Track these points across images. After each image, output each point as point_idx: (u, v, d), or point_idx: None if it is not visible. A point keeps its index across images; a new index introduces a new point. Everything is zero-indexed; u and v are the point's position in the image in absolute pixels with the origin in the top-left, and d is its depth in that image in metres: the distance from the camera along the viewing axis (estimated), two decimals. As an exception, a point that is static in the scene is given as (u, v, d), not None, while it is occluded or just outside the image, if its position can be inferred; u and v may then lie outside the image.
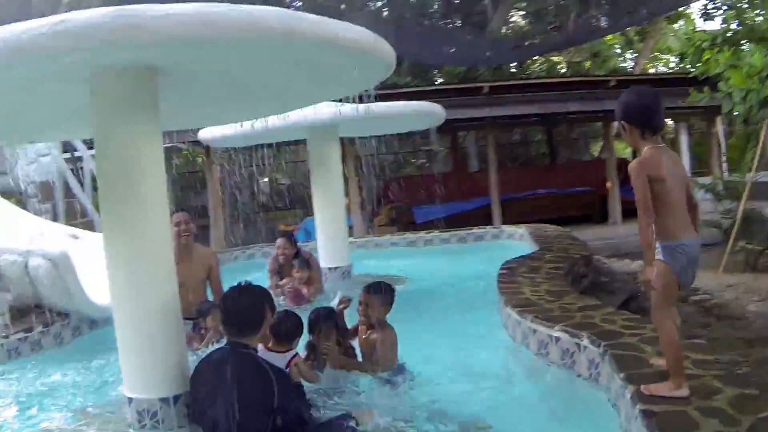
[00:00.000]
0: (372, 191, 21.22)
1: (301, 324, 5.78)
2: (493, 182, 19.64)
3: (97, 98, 5.44)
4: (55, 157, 13.44)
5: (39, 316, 9.22)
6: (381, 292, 6.27)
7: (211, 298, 8.56)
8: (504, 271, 9.17)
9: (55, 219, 13.41)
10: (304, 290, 9.67)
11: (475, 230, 14.88)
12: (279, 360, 5.41)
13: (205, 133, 11.89)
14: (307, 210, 19.47)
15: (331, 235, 11.87)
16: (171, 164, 20.08)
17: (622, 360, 5.15)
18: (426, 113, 11.68)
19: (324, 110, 10.94)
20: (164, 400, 5.45)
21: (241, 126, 10.92)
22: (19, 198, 14.63)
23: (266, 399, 4.78)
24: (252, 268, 12.51)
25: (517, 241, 13.79)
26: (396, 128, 13.82)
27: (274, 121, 10.16)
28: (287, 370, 5.38)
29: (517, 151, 31.93)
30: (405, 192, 19.75)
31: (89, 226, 13.23)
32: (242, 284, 5.43)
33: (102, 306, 9.11)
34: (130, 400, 5.59)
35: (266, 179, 27.21)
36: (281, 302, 9.22)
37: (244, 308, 5.18)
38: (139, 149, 5.47)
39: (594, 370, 5.64)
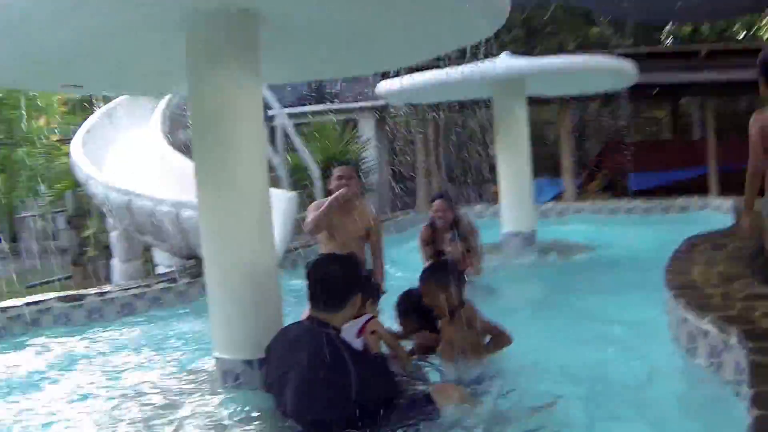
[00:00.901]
0: (588, 156, 20.32)
1: (358, 274, 4.86)
2: (712, 151, 18.24)
3: (192, 44, 5.33)
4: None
5: (191, 267, 9.30)
6: (428, 276, 5.48)
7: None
8: (683, 247, 8.15)
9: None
10: (463, 264, 8.46)
11: (680, 201, 13.83)
12: (351, 331, 4.87)
13: (380, 87, 11.60)
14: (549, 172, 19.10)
15: (515, 199, 11.45)
16: (385, 126, 20.07)
17: (764, 371, 4.04)
18: (615, 70, 10.90)
19: (508, 62, 10.40)
20: (248, 363, 5.27)
21: (416, 78, 10.57)
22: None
23: (342, 391, 4.31)
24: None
25: (723, 213, 12.73)
26: (584, 86, 13.17)
27: (453, 74, 9.70)
28: (361, 340, 4.87)
29: (742, 119, 29.57)
30: (622, 158, 18.75)
31: (276, 181, 13.24)
32: (337, 254, 5.13)
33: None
34: (217, 359, 5.48)
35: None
36: None
37: (330, 279, 4.66)
38: (234, 98, 5.31)
39: (738, 376, 4.49)
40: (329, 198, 7.57)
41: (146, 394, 5.58)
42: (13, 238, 19.48)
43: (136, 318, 8.44)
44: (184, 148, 13.28)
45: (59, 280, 14.35)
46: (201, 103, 5.40)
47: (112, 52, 5.82)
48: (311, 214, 7.83)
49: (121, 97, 13.69)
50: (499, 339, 5.36)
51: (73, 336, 7.80)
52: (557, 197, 18.27)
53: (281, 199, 10.12)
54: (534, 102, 12.35)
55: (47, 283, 14.08)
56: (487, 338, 5.44)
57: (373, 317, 5.08)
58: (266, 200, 5.50)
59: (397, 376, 4.90)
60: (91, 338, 7.72)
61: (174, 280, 9.03)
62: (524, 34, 19.37)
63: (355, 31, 5.84)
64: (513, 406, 4.64)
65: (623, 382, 5.18)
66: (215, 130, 5.30)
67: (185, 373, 6.07)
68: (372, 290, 5.32)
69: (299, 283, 5.06)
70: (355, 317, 4.87)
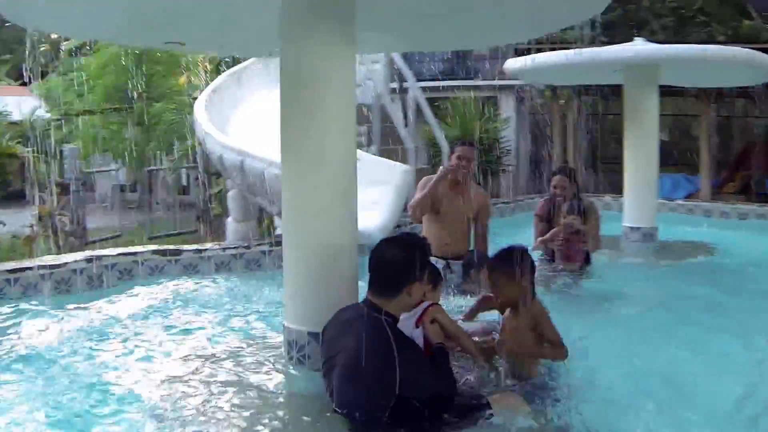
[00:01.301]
0: (730, 155, 19.31)
1: (416, 258, 4.46)
2: None
3: (286, 5, 5.19)
4: (377, 82, 13.36)
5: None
6: (495, 261, 5.04)
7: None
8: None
9: (369, 143, 13.39)
10: (578, 244, 8.24)
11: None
12: (409, 321, 4.65)
13: (507, 65, 11.22)
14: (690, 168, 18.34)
15: (638, 193, 10.96)
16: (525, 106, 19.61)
17: None
18: (750, 63, 10.23)
19: (639, 46, 9.90)
20: (313, 335, 5.11)
21: (543, 58, 10.14)
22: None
23: (385, 383, 4.09)
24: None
25: None
26: (720, 79, 12.64)
27: (581, 55, 9.28)
28: (420, 331, 4.63)
29: None
30: (764, 160, 17.76)
31: (403, 154, 13.03)
32: (402, 236, 4.96)
33: (361, 231, 8.90)
34: (284, 327, 5.40)
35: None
36: (540, 259, 8.31)
37: (386, 263, 4.44)
38: (323, 65, 5.15)
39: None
40: (435, 176, 7.32)
41: (211, 357, 5.60)
42: (148, 190, 19.99)
43: (231, 277, 8.44)
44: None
45: (182, 233, 14.55)
46: (289, 68, 5.27)
47: (211, 12, 5.76)
48: (418, 193, 7.58)
49: (253, 59, 13.73)
50: (556, 351, 4.85)
51: (162, 290, 7.93)
52: (692, 195, 17.40)
53: (395, 172, 9.92)
54: (677, 93, 11.69)
55: (171, 235, 14.31)
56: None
57: (433, 305, 4.78)
58: (350, 174, 5.35)
59: (457, 371, 4.66)
60: (179, 293, 7.81)
61: (274, 244, 8.89)
62: (674, 23, 18.47)
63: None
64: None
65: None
66: (301, 97, 5.19)
67: (254, 340, 6.06)
68: (433, 276, 4.94)
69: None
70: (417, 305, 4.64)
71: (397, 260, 4.42)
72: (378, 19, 5.86)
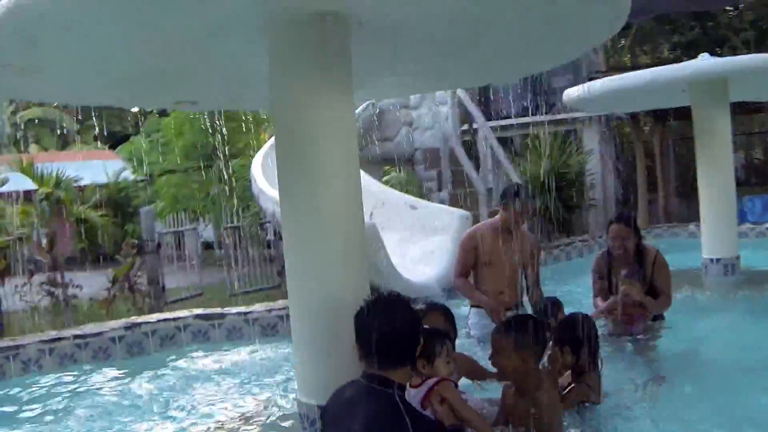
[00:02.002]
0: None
1: (419, 328, 4.03)
2: None
3: (273, 51, 4.80)
4: (444, 124, 12.99)
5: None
6: (508, 330, 4.49)
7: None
8: None
9: (439, 187, 12.98)
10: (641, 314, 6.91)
11: None
12: (414, 400, 4.12)
13: (566, 95, 10.66)
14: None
15: (715, 220, 10.24)
16: (609, 134, 18.89)
17: None
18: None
19: (704, 61, 9.31)
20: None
21: (604, 83, 9.57)
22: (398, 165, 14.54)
23: None
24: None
25: None
26: None
27: (641, 79, 8.69)
28: (429, 413, 4.11)
29: None
30: None
31: (473, 196, 12.55)
32: (390, 294, 4.15)
33: (417, 284, 8.51)
34: (297, 400, 4.99)
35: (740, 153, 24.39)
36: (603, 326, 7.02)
37: (391, 329, 3.89)
38: (317, 115, 4.70)
39: None
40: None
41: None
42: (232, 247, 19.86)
43: (276, 341, 8.03)
44: (371, 164, 12.99)
45: (263, 289, 14.30)
46: (281, 119, 4.89)
47: (206, 70, 5.50)
48: (461, 253, 7.17)
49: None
50: None
51: (203, 356, 7.66)
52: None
53: (454, 218, 9.44)
54: (758, 109, 10.85)
55: (251, 292, 14.07)
56: None
57: (442, 380, 4.19)
58: (355, 231, 4.86)
59: None
60: (216, 359, 7.51)
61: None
62: (755, 36, 17.58)
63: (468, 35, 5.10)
64: None
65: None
66: (296, 149, 4.78)
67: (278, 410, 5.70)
68: (441, 341, 4.32)
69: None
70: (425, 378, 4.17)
71: (404, 322, 3.91)
72: (377, 58, 5.47)
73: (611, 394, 5.12)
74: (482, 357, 4.77)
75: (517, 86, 17.90)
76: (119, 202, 22.17)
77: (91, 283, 14.10)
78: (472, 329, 7.20)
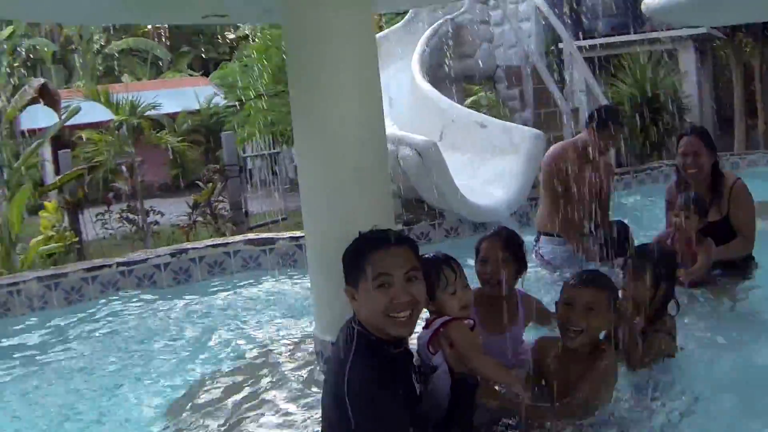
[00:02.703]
0: None
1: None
2: None
3: None
4: (525, 43, 12.08)
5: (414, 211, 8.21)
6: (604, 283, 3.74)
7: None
8: None
9: (522, 106, 12.12)
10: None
11: None
12: (423, 341, 3.50)
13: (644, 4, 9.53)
14: None
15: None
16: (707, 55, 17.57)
17: None
18: None
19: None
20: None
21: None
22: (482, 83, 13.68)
23: (339, 422, 3.04)
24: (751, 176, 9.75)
25: None
26: None
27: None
28: (438, 358, 3.46)
29: None
30: None
31: (557, 116, 11.66)
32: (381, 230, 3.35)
33: (484, 208, 7.79)
34: (313, 335, 4.54)
35: None
36: None
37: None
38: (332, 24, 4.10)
39: None
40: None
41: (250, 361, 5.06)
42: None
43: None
44: (451, 82, 12.19)
45: None
46: (291, 23, 4.29)
47: None
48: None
49: (397, 25, 12.73)
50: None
51: (250, 284, 7.22)
52: None
53: (525, 137, 8.60)
54: None
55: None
56: None
57: (453, 320, 3.45)
58: (375, 150, 4.28)
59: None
60: (263, 288, 7.08)
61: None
62: None
63: None
64: None
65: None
66: (304, 57, 4.19)
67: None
68: (439, 269, 3.51)
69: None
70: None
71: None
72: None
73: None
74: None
75: (610, 2, 16.74)
76: (211, 128, 21.88)
77: (177, 210, 13.82)
78: (545, 257, 6.58)
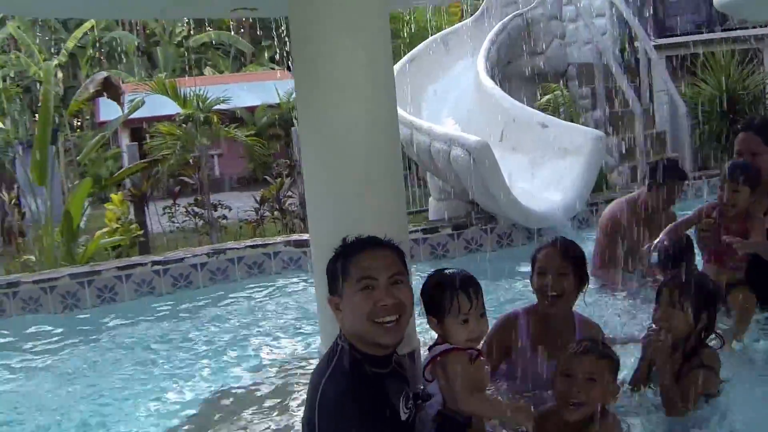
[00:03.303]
0: None
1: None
2: None
3: None
4: (599, 40, 11.47)
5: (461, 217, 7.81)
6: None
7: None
8: None
9: (593, 105, 11.54)
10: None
11: None
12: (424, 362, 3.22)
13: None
14: None
15: None
16: None
17: None
18: None
19: None
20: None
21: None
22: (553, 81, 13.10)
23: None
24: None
25: None
26: None
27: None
28: (434, 387, 3.14)
29: None
30: None
31: (629, 117, 11.05)
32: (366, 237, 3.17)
33: (538, 213, 7.33)
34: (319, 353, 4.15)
35: None
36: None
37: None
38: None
39: None
40: None
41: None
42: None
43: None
44: (520, 79, 11.67)
45: (422, 211, 13.13)
46: (297, 14, 3.90)
47: None
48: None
49: (467, 20, 12.25)
50: None
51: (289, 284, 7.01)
52: None
53: (587, 139, 8.11)
54: None
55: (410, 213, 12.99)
56: None
57: (454, 350, 3.07)
58: (387, 152, 3.90)
59: None
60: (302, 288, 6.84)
61: (428, 231, 7.42)
62: None
63: None
64: None
65: None
66: (311, 50, 3.84)
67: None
68: (453, 293, 3.08)
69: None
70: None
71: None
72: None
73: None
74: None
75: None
76: (290, 122, 21.65)
77: (250, 204, 13.61)
78: None
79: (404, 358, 3.29)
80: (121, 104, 10.84)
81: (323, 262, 3.79)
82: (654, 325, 3.55)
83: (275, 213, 12.87)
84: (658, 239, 4.85)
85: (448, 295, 3.05)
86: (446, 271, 3.21)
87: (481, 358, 3.13)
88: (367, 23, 3.79)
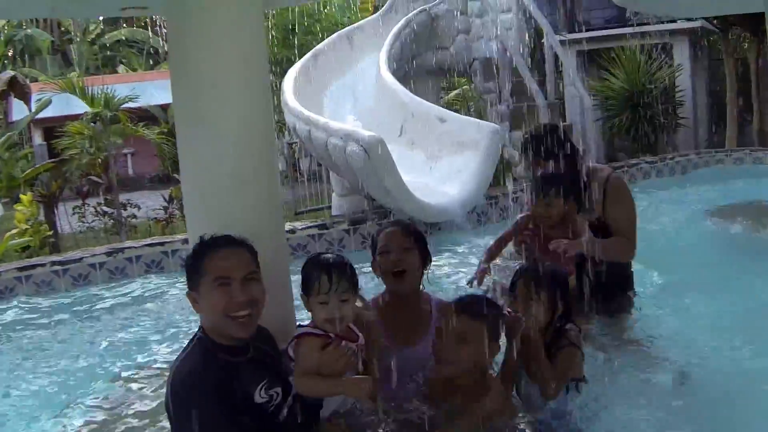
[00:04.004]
0: None
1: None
2: None
3: None
4: (505, 35, 11.81)
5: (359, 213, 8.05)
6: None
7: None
8: None
9: (499, 99, 11.84)
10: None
11: None
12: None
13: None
14: None
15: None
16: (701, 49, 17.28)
17: None
18: None
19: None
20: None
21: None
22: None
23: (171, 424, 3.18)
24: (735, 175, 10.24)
25: None
26: None
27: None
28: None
29: None
30: None
31: (533, 111, 11.40)
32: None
33: (435, 207, 7.56)
34: None
35: None
36: None
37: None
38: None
39: None
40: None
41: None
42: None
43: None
44: (426, 74, 11.94)
45: (325, 208, 13.33)
46: (175, 16, 4.00)
47: None
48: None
49: (373, 16, 12.52)
50: None
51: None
52: None
53: (483, 133, 8.35)
54: None
55: (315, 210, 13.16)
56: None
57: (305, 335, 3.26)
58: (260, 150, 3.99)
59: None
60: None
61: (325, 227, 7.66)
62: None
63: None
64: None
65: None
66: (182, 49, 3.93)
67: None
68: (318, 274, 3.27)
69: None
70: None
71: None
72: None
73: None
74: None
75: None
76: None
77: (158, 203, 13.68)
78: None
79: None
80: (28, 103, 10.85)
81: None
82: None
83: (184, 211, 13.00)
84: (474, 274, 4.67)
85: (314, 275, 3.23)
86: (322, 255, 3.39)
87: (344, 343, 3.38)
88: (241, 21, 3.88)
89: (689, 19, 15.15)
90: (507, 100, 11.92)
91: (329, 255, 3.43)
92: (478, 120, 9.22)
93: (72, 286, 6.96)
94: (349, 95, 10.72)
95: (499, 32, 12.03)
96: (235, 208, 3.85)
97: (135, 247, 7.32)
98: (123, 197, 13.89)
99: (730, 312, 5.10)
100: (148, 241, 7.65)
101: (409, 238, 3.80)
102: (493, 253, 4.83)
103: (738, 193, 9.39)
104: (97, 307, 6.54)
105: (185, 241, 7.40)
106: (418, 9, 11.80)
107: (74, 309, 6.50)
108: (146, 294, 6.81)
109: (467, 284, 4.66)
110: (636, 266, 4.96)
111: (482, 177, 8.13)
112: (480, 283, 4.58)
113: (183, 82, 3.99)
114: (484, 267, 4.65)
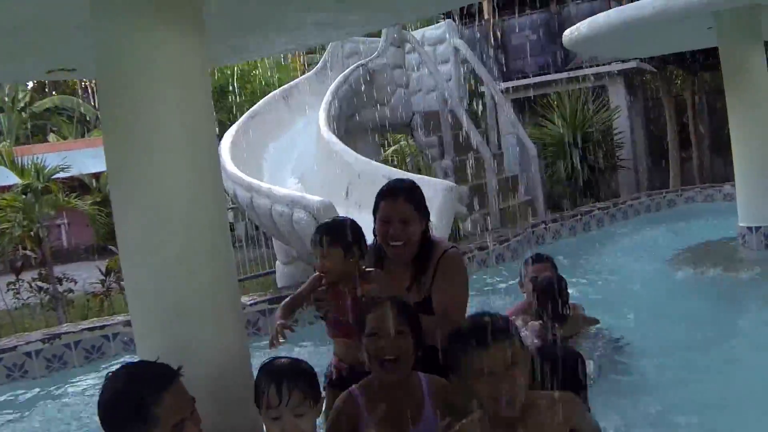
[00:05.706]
0: None
1: None
2: None
3: None
4: (444, 87, 11.65)
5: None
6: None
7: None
8: None
9: (441, 153, 11.67)
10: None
11: None
12: None
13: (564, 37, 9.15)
14: None
15: (752, 182, 8.53)
16: (637, 89, 17.32)
17: None
18: None
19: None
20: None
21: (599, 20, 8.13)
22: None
23: None
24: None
25: None
26: None
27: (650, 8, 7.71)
28: None
29: None
30: None
31: (478, 163, 11.23)
32: None
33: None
34: None
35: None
36: None
37: None
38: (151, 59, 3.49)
39: None
40: None
41: None
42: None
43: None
44: (365, 131, 11.74)
45: (262, 275, 12.85)
46: (104, 69, 3.62)
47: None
48: None
49: (308, 74, 12.28)
50: None
51: None
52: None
53: (436, 191, 8.09)
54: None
55: (247, 279, 12.72)
56: None
57: None
58: (212, 221, 3.66)
59: None
60: None
61: (275, 301, 7.33)
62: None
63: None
64: None
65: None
66: (119, 110, 3.55)
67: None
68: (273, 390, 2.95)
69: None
70: None
71: None
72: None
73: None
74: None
75: (537, 42, 16.47)
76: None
77: (95, 276, 13.12)
78: None
79: None
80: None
81: (147, 342, 3.63)
82: None
83: (122, 284, 12.51)
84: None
85: (262, 386, 2.94)
86: (275, 361, 3.06)
87: None
88: (185, 82, 3.57)
89: (623, 61, 15.28)
90: (450, 154, 11.73)
91: (283, 360, 3.09)
92: (429, 178, 8.98)
93: (6, 379, 6.44)
94: (289, 157, 10.43)
95: (438, 84, 11.89)
96: (186, 285, 3.51)
97: (73, 332, 6.83)
98: (58, 270, 13.32)
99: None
100: (88, 324, 7.14)
101: (402, 319, 3.28)
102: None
103: (694, 233, 9.30)
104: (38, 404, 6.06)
105: (127, 322, 7.00)
106: (355, 65, 11.59)
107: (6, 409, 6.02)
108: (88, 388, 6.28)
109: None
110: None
111: (438, 235, 7.85)
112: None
113: (117, 147, 3.61)
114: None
